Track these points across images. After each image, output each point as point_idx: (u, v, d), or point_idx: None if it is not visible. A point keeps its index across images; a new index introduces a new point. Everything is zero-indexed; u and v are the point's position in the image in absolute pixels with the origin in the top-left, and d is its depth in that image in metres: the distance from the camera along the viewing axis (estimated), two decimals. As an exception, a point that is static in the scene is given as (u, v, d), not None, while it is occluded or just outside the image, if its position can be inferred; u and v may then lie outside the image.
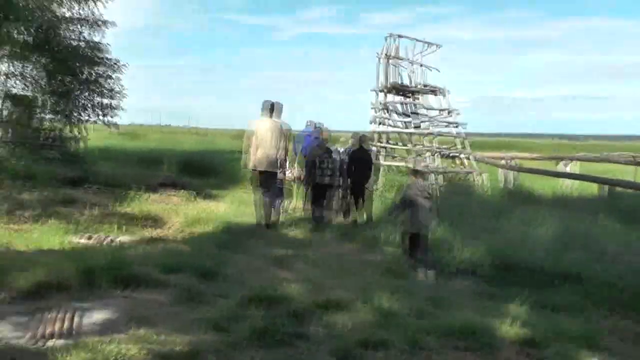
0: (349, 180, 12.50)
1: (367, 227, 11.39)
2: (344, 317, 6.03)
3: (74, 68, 19.63)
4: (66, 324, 5.50)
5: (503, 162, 20.92)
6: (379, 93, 17.53)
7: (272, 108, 11.61)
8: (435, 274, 8.54)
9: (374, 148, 16.24)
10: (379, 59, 17.41)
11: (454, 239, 9.52)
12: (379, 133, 17.39)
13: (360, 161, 12.37)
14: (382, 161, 16.91)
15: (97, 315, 5.87)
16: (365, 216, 12.36)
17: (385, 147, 17.42)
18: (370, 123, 17.47)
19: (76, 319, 5.67)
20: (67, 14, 20.07)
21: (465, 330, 5.72)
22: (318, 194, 12.40)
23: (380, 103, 17.39)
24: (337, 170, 12.51)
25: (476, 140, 30.75)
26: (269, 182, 11.36)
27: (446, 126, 17.67)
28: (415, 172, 9.43)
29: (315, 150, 12.52)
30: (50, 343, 5.04)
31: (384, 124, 17.62)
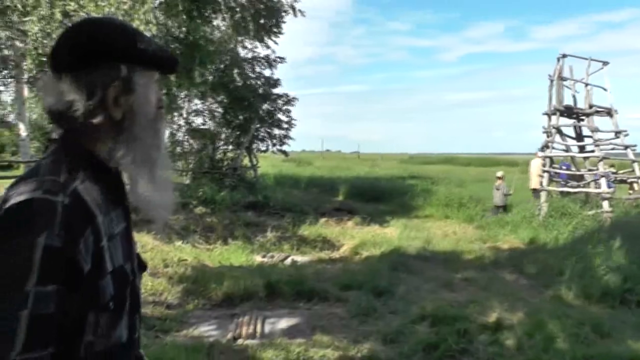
0: None
1: (538, 255, 11.24)
2: (509, 338, 6.23)
3: (253, 104, 21.14)
4: (258, 328, 6.25)
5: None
6: (551, 116, 16.77)
7: None
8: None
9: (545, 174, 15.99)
10: (552, 80, 16.89)
11: (621, 268, 9.15)
12: (550, 157, 16.59)
13: None
14: (545, 186, 16.27)
15: (283, 322, 6.61)
16: None
17: (549, 172, 16.42)
18: (542, 148, 16.82)
19: (266, 324, 6.43)
20: (249, 55, 21.87)
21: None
22: None
23: (552, 126, 16.63)
24: None
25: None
26: None
27: (612, 149, 16.53)
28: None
29: None
30: (246, 342, 5.78)
31: (555, 149, 16.77)
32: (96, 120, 1.33)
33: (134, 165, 1.39)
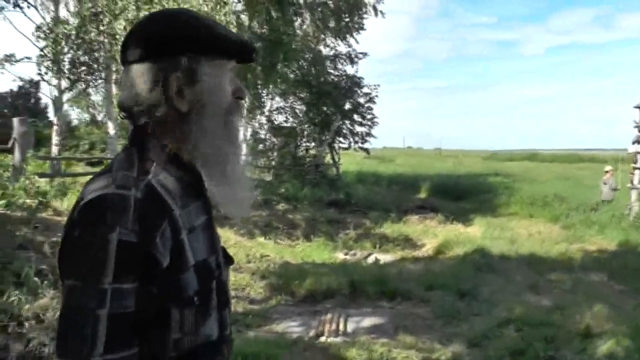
0: None
1: (629, 258, 10.77)
2: (600, 347, 5.98)
3: (336, 100, 21.29)
4: (341, 326, 6.28)
5: None
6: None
7: None
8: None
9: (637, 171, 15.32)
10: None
11: None
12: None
13: None
14: (636, 184, 15.57)
15: (366, 321, 6.63)
16: None
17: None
18: (634, 143, 16.08)
19: (349, 322, 6.45)
20: (330, 52, 22.11)
21: None
22: None
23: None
24: None
25: None
26: None
27: None
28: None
29: None
30: (329, 340, 5.82)
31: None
32: (161, 113, 1.29)
33: (203, 159, 1.32)
